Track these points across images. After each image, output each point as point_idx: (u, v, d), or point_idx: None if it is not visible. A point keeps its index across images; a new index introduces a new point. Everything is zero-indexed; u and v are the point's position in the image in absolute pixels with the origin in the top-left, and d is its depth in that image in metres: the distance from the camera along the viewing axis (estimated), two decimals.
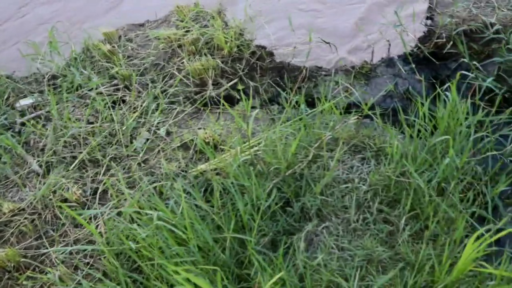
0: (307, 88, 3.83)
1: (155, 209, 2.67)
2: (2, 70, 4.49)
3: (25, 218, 3.15)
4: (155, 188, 3.09)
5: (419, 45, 4.09)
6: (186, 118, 3.71)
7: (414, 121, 2.99)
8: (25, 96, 4.16)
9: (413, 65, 3.93)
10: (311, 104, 3.64)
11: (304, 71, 3.94)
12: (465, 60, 3.68)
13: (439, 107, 2.98)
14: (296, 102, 3.46)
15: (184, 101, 3.84)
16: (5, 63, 4.67)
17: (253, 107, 3.70)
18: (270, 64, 4.06)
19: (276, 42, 4.31)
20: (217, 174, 3.07)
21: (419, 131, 2.97)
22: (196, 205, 2.81)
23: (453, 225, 2.62)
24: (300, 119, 3.18)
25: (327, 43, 4.23)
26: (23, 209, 3.21)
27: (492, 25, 3.87)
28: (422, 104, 3.03)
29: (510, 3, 4.10)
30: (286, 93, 3.69)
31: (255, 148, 3.06)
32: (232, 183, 2.72)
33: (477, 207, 2.79)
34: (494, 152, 2.99)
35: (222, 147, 3.32)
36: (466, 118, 2.97)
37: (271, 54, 4.19)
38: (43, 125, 3.78)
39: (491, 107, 3.23)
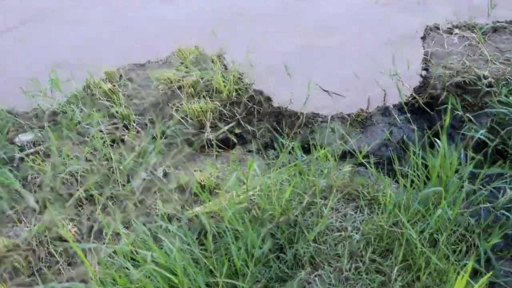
0: (303, 134, 3.89)
1: (150, 250, 2.68)
2: (2, 104, 4.52)
3: (19, 254, 3.15)
4: (150, 229, 3.11)
5: (414, 95, 4.17)
6: (183, 160, 3.75)
7: (408, 171, 3.03)
8: (25, 131, 4.20)
9: (408, 115, 4.00)
10: (307, 150, 3.69)
11: (301, 117, 4.00)
12: (458, 112, 3.75)
13: (430, 157, 3.02)
14: (292, 148, 3.50)
15: (182, 143, 3.89)
16: (5, 96, 4.66)
17: (249, 151, 3.75)
18: (268, 109, 4.12)
19: (274, 88, 4.38)
20: (212, 217, 3.09)
21: (412, 181, 3.01)
22: (190, 248, 2.82)
23: (445, 276, 2.64)
24: (295, 165, 3.22)
25: (325, 91, 4.32)
26: (18, 245, 3.21)
27: (485, 77, 3.95)
28: (415, 153, 3.08)
29: (503, 56, 4.21)
30: (283, 138, 3.74)
31: (250, 193, 3.09)
32: (226, 227, 2.74)
33: (468, 259, 2.80)
34: (487, 205, 3.02)
35: (217, 190, 3.35)
36: (457, 170, 3.02)
37: (269, 99, 4.25)
38: (42, 161, 3.81)
39: (485, 158, 3.28)
